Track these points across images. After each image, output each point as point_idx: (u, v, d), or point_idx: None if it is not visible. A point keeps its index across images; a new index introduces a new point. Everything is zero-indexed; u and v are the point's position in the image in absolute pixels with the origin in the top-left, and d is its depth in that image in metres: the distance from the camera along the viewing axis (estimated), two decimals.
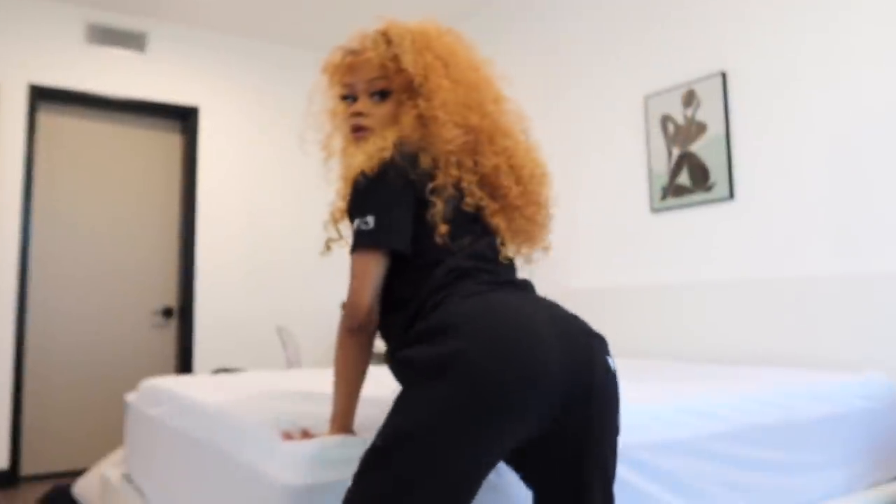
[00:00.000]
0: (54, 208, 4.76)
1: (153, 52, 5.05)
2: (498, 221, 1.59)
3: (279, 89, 5.52)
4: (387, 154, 1.48)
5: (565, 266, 4.13)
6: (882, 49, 2.78)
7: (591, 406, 1.32)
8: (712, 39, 3.42)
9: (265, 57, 5.50)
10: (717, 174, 3.34)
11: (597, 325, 3.91)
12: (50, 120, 4.79)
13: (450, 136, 1.52)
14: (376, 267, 1.46)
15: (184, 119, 5.23)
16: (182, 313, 5.03)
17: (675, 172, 3.54)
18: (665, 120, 3.61)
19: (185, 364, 4.95)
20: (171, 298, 5.09)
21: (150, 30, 5.04)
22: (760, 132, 3.20)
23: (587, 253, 4.02)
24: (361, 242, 1.45)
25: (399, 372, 1.42)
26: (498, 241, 1.58)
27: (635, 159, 3.78)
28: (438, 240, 1.48)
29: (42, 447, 4.59)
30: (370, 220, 1.44)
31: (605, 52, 3.99)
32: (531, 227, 1.66)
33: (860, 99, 2.85)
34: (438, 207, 1.48)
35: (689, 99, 3.49)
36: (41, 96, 4.69)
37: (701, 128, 3.43)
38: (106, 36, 4.87)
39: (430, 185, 1.50)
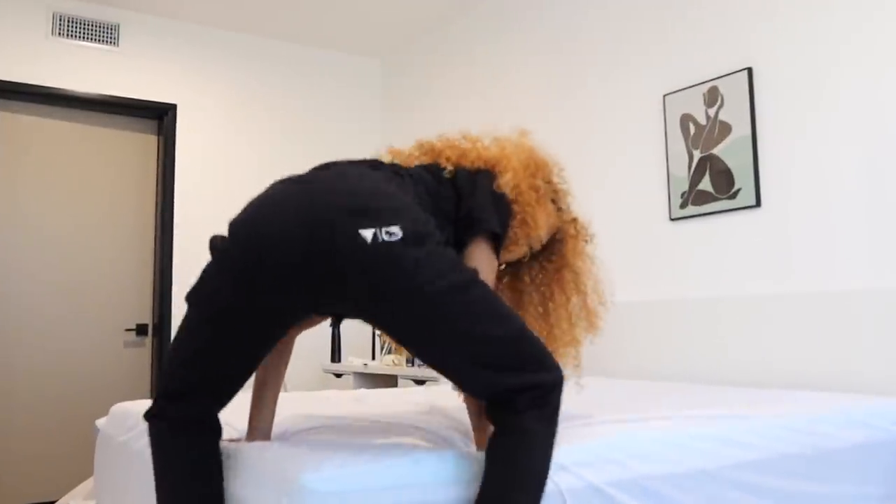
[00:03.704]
0: (16, 215, 4.77)
1: (126, 45, 5.08)
2: None
3: (263, 86, 5.55)
4: None
5: None
6: None
7: (346, 279, 1.48)
8: (737, 32, 3.45)
9: (247, 51, 5.53)
10: (742, 179, 3.36)
11: (609, 344, 3.89)
12: (11, 119, 4.82)
13: None
14: None
15: (160, 118, 5.26)
16: (157, 331, 5.05)
17: (696, 177, 3.56)
18: (685, 120, 3.63)
19: None
20: (145, 314, 5.11)
21: (122, 21, 5.07)
22: (790, 133, 3.22)
23: (601, 264, 4.02)
24: None
25: None
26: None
27: (653, 163, 3.80)
28: None
29: (4, 478, 4.59)
30: None
31: (620, 45, 4.01)
32: None
33: None
34: None
35: (712, 97, 3.51)
36: (2, 93, 4.72)
37: (725, 129, 3.45)
38: (74, 27, 4.90)
39: None
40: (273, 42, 5.63)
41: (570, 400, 2.52)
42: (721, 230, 3.46)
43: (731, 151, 3.42)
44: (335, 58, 5.90)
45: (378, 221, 1.47)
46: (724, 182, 3.44)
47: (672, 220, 3.67)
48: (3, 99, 4.76)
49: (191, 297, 1.59)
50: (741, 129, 3.38)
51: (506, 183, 1.84)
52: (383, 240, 1.46)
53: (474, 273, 1.56)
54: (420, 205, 1.67)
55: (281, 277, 1.49)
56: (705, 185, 3.52)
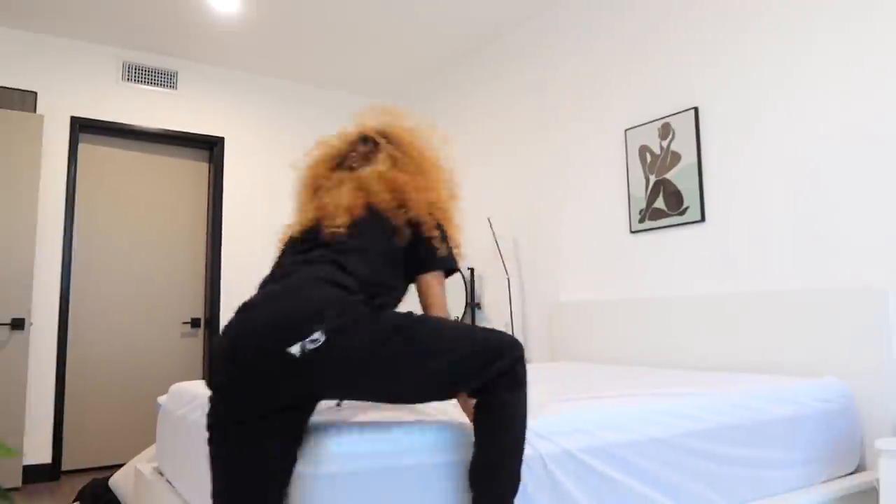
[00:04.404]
0: (94, 228, 4.77)
1: (183, 88, 5.09)
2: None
3: (293, 122, 5.56)
4: None
5: (555, 281, 4.15)
6: (839, 89, 2.81)
7: (298, 386, 1.42)
8: (686, 79, 3.45)
9: (281, 93, 5.54)
10: (689, 199, 3.36)
11: (582, 334, 3.85)
12: (90, 149, 4.82)
13: None
14: None
15: (211, 149, 5.26)
16: (208, 323, 5.04)
17: (652, 197, 3.56)
18: (643, 150, 3.63)
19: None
20: (198, 310, 5.10)
21: (180, 68, 5.08)
22: (729, 161, 3.22)
23: (574, 269, 4.03)
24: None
25: None
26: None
27: (616, 186, 3.80)
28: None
29: (81, 444, 4.57)
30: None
31: (591, 90, 4.02)
32: None
33: (820, 131, 2.87)
34: None
35: (665, 131, 3.51)
36: (82, 128, 4.72)
37: (675, 157, 3.45)
38: (140, 74, 4.90)
39: None
40: (300, 86, 5.64)
41: (545, 377, 2.52)
42: (672, 241, 3.46)
43: (680, 176, 3.42)
44: (348, 99, 5.91)
45: (300, 335, 1.40)
46: (675, 201, 3.43)
47: (632, 232, 3.67)
48: (83, 133, 4.77)
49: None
50: (689, 158, 3.38)
51: (451, 236, 1.84)
52: (310, 349, 1.39)
53: (408, 316, 1.51)
54: (367, 270, 1.63)
55: (249, 391, 1.44)
56: (659, 203, 3.52)
